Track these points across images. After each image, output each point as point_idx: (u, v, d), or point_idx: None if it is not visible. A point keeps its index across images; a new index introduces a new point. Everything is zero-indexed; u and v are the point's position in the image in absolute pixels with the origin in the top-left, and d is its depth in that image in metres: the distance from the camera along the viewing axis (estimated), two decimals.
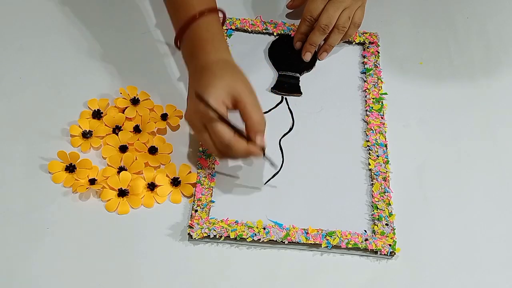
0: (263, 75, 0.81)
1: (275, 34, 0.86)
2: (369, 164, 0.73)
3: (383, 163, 0.73)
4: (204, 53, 0.69)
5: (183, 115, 0.71)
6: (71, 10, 0.87)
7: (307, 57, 0.83)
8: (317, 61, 0.84)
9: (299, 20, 0.84)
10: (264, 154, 0.67)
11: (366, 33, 0.86)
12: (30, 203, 0.68)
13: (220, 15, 0.74)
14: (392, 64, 0.84)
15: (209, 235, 0.65)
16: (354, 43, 0.86)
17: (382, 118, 0.77)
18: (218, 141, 0.65)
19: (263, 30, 0.86)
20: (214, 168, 0.71)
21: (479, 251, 0.68)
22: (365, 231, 0.68)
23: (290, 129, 0.77)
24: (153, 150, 0.72)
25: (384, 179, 0.71)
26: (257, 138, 0.65)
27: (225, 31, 0.85)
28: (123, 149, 0.72)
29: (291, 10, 0.90)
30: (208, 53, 0.69)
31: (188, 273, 0.65)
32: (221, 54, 0.70)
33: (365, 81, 0.82)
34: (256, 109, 0.66)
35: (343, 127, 0.77)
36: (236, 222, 0.67)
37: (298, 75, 0.82)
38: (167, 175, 0.71)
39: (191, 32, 0.71)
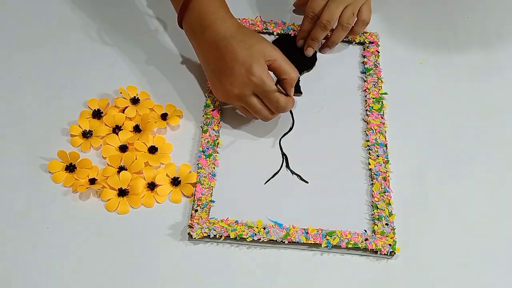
0: None
1: (275, 34, 0.86)
2: (369, 164, 0.73)
3: (383, 163, 0.73)
4: (220, 21, 0.70)
5: (216, 93, 0.74)
6: (71, 10, 0.87)
7: (309, 52, 0.83)
8: (317, 61, 0.84)
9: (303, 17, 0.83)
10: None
11: (366, 33, 0.86)
12: (30, 203, 0.68)
13: None
14: (392, 64, 0.84)
15: (209, 235, 0.65)
16: (354, 43, 0.86)
17: (382, 118, 0.77)
18: (274, 105, 0.70)
19: (263, 30, 0.86)
20: (214, 168, 0.71)
21: (479, 251, 0.68)
22: (365, 231, 0.68)
23: (290, 129, 0.76)
24: (153, 150, 0.72)
25: (384, 179, 0.71)
26: (291, 91, 0.72)
27: None
28: (123, 148, 0.72)
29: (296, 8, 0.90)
30: (224, 21, 0.71)
31: (188, 273, 0.65)
32: (235, 21, 0.72)
33: (365, 81, 0.82)
34: (290, 66, 0.71)
35: (343, 127, 0.77)
36: (236, 222, 0.67)
37: (298, 75, 0.82)
38: (167, 175, 0.71)
39: (198, 1, 0.71)
